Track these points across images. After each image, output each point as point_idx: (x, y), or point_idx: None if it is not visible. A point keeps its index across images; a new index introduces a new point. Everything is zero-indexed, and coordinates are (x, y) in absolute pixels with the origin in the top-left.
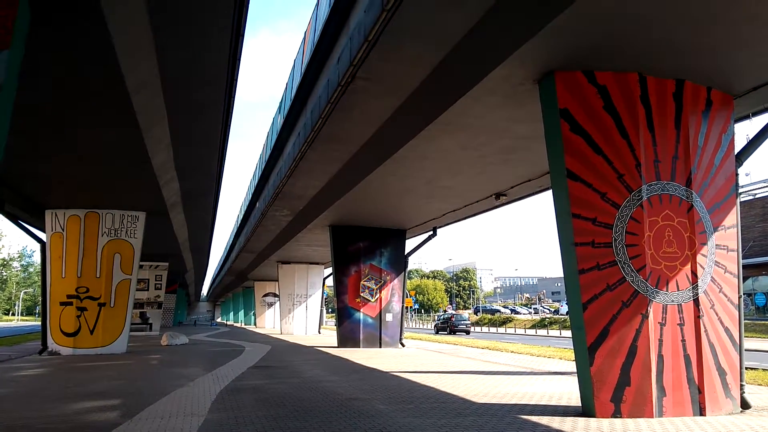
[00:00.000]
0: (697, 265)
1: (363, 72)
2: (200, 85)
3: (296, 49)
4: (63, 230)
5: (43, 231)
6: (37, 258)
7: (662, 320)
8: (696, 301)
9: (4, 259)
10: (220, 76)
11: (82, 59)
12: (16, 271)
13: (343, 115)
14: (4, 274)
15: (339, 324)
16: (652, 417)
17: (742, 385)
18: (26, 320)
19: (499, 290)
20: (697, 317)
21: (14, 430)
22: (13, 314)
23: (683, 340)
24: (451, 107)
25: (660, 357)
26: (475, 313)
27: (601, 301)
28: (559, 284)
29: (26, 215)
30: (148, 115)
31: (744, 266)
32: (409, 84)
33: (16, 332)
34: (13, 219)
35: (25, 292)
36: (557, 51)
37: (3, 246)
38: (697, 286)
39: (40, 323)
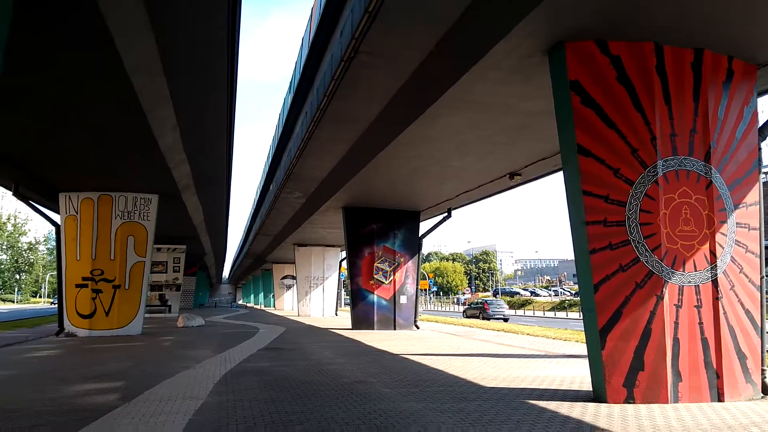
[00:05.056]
0: (716, 244)
1: (365, 46)
2: (201, 63)
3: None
4: (77, 213)
5: (58, 213)
6: None
7: (678, 302)
8: (714, 282)
9: (30, 243)
10: (220, 52)
11: (76, 38)
12: (42, 254)
13: (347, 92)
14: (31, 257)
15: (353, 306)
16: (667, 403)
17: (763, 370)
18: (53, 303)
19: (519, 272)
20: (716, 299)
21: (12, 413)
22: (40, 297)
23: (701, 323)
24: (457, 82)
25: (676, 340)
26: (494, 295)
27: (614, 282)
28: None
29: (41, 198)
30: (150, 95)
31: (767, 245)
32: (414, 57)
33: (40, 314)
34: (27, 201)
35: (51, 275)
36: (567, 20)
37: (29, 230)
38: (715, 266)
39: None
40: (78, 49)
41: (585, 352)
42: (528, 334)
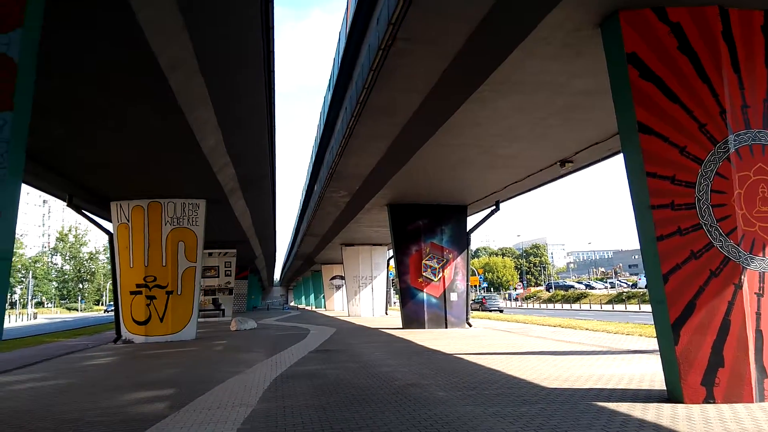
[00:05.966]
0: None
1: (403, 32)
2: (237, 63)
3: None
4: (128, 221)
5: (111, 222)
6: None
7: (759, 290)
8: None
9: (91, 253)
10: (256, 52)
11: (108, 39)
12: (102, 263)
13: (387, 83)
14: (92, 267)
15: (403, 305)
16: (752, 402)
17: None
18: (106, 311)
19: (572, 265)
20: None
21: (64, 423)
22: (102, 304)
23: None
24: (501, 64)
25: (758, 333)
26: (548, 289)
27: (685, 271)
28: (636, 257)
29: (94, 208)
30: (188, 96)
31: None
32: (455, 41)
33: (100, 321)
34: (80, 211)
35: (110, 283)
36: None
37: (89, 240)
38: None
39: None
40: (109, 52)
41: (651, 347)
42: (587, 329)
